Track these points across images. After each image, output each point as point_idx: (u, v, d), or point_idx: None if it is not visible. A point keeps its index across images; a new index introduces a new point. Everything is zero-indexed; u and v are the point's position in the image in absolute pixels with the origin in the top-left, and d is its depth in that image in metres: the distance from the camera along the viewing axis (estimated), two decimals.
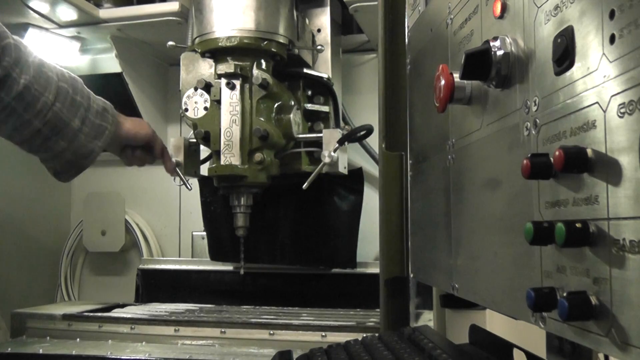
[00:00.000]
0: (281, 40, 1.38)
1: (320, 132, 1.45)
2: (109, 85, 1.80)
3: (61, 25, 1.67)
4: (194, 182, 1.64)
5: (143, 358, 1.27)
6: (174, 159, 1.45)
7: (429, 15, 0.89)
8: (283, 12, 1.38)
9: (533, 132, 0.53)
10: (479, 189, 0.67)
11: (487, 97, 0.64)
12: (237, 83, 1.34)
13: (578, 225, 0.44)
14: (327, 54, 1.55)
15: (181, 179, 1.45)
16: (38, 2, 1.54)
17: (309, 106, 1.49)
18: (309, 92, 1.51)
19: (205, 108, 1.38)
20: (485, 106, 0.65)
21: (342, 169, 1.46)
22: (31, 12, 1.57)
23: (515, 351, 0.74)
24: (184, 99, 1.40)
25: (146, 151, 1.32)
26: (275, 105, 1.40)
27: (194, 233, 1.94)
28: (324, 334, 1.32)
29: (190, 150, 1.50)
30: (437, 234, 0.83)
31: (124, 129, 1.24)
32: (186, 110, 1.39)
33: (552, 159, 0.47)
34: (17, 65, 1.05)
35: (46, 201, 1.96)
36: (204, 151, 1.52)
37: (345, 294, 1.66)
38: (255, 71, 1.36)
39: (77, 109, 1.14)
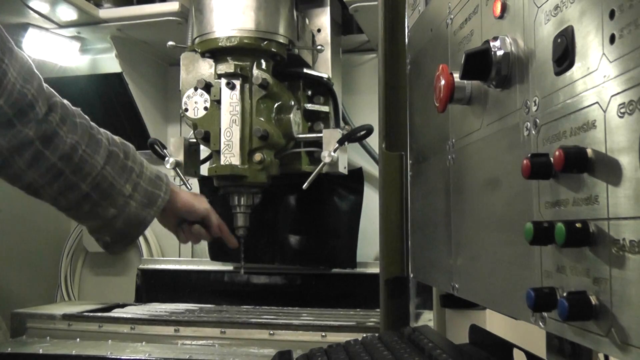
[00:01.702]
0: (281, 40, 1.38)
1: (320, 132, 1.45)
2: (109, 85, 1.80)
3: (61, 25, 1.67)
4: (194, 182, 1.64)
5: (143, 358, 1.27)
6: (173, 159, 1.45)
7: (429, 15, 0.89)
8: (283, 12, 1.38)
9: (533, 132, 0.53)
10: (479, 189, 0.67)
11: (487, 97, 0.64)
12: (237, 83, 1.34)
13: (578, 225, 0.44)
14: (327, 54, 1.55)
15: (181, 179, 1.45)
16: (38, 2, 1.54)
17: (309, 106, 1.49)
18: (309, 92, 1.51)
19: (205, 108, 1.38)
20: (485, 106, 0.65)
21: (342, 169, 1.46)
22: (31, 12, 1.57)
23: (515, 351, 0.74)
24: (184, 99, 1.40)
25: (203, 227, 1.27)
26: (275, 105, 1.40)
27: None
28: (324, 334, 1.32)
29: (190, 150, 1.50)
30: (437, 234, 0.83)
31: (180, 202, 1.19)
32: (186, 110, 1.39)
33: (552, 159, 0.47)
34: (64, 124, 1.00)
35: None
36: (204, 151, 1.52)
37: (345, 294, 1.66)
38: (255, 71, 1.36)
39: (128, 174, 1.08)
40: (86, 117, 1.07)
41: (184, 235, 1.26)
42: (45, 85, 1.01)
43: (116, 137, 1.11)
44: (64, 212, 1.09)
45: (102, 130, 1.09)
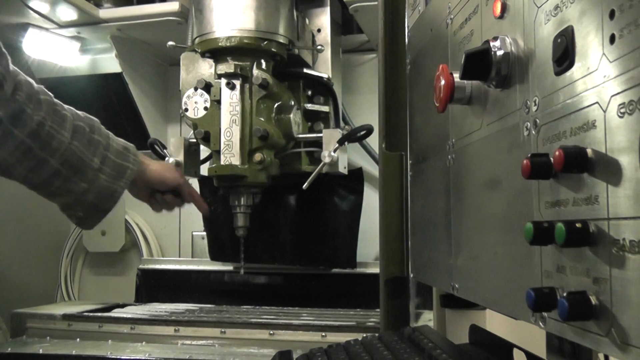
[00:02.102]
0: (281, 40, 1.38)
1: (320, 132, 1.45)
2: (109, 85, 1.80)
3: (61, 25, 1.67)
4: (194, 182, 1.64)
5: (143, 358, 1.27)
6: (173, 159, 1.45)
7: (429, 15, 0.89)
8: (283, 12, 1.38)
9: (533, 132, 0.53)
10: (479, 189, 0.67)
11: (487, 97, 0.64)
12: (237, 83, 1.34)
13: (578, 225, 0.44)
14: (327, 54, 1.55)
15: None
16: (38, 2, 1.54)
17: (309, 106, 1.49)
18: (309, 92, 1.51)
19: (205, 108, 1.38)
20: (485, 106, 0.65)
21: (342, 169, 1.46)
22: (31, 12, 1.57)
23: (515, 351, 0.74)
24: (184, 99, 1.40)
25: (175, 195, 1.28)
26: (275, 105, 1.40)
27: (194, 233, 1.95)
28: (324, 334, 1.32)
29: (190, 150, 1.50)
30: (437, 234, 0.83)
31: (150, 173, 1.20)
32: (186, 110, 1.39)
33: (552, 159, 0.47)
34: (30, 101, 1.02)
35: (46, 201, 1.96)
36: (204, 151, 1.52)
37: (345, 294, 1.66)
38: (255, 71, 1.36)
39: (95, 147, 1.10)
40: (50, 93, 1.08)
41: (158, 205, 1.28)
42: (11, 64, 1.01)
43: (80, 112, 1.13)
44: (36, 191, 1.10)
45: (66, 106, 1.10)
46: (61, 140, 1.05)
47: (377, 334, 0.96)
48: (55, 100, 1.08)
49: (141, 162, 1.19)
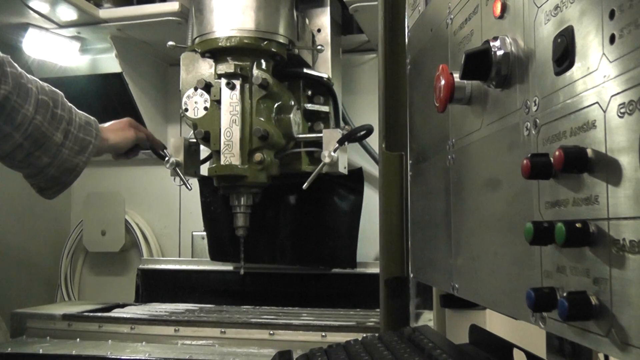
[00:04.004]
0: (281, 40, 1.38)
1: (320, 132, 1.45)
2: (109, 85, 1.80)
3: (61, 25, 1.67)
4: (194, 182, 1.64)
5: (143, 358, 1.27)
6: (173, 159, 1.45)
7: (429, 15, 0.89)
8: (283, 12, 1.38)
9: (533, 132, 0.53)
10: (479, 189, 0.67)
11: (487, 97, 0.64)
12: (237, 83, 1.34)
13: (578, 225, 0.44)
14: (327, 54, 1.55)
15: (181, 179, 1.45)
16: (38, 2, 1.54)
17: (309, 106, 1.49)
18: (309, 92, 1.51)
19: (205, 108, 1.38)
20: (485, 106, 0.65)
21: (342, 169, 1.46)
22: (31, 12, 1.57)
23: (515, 351, 0.74)
24: (184, 99, 1.40)
25: (134, 148, 1.34)
26: (275, 105, 1.40)
27: (194, 233, 1.95)
28: (324, 334, 1.32)
29: (190, 150, 1.50)
30: (437, 234, 0.83)
31: (110, 144, 1.24)
32: (186, 110, 1.39)
33: (552, 159, 0.47)
34: None
35: (46, 201, 1.96)
36: (204, 151, 1.52)
37: (345, 294, 1.66)
38: (255, 71, 1.36)
39: (58, 122, 1.11)
40: (15, 64, 1.08)
41: (121, 159, 1.35)
42: None
43: (45, 85, 1.13)
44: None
45: (31, 77, 1.10)
46: (25, 114, 1.06)
47: (377, 334, 0.96)
48: (20, 70, 1.08)
49: (102, 137, 1.21)
